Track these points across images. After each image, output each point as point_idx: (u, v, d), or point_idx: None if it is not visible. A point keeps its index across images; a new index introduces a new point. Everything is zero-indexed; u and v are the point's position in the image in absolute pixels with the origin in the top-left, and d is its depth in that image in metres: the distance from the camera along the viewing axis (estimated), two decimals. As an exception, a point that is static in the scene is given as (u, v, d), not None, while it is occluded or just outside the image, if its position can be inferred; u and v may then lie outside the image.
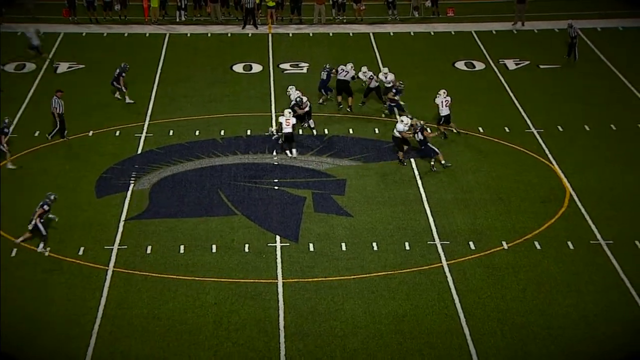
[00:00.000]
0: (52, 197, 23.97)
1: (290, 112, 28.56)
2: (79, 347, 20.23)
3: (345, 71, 31.31)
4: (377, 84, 31.93)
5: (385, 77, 31.41)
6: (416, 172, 28.16)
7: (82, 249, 23.82)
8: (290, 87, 30.51)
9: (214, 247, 24.04)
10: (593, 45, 38.68)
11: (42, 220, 23.59)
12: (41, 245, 23.45)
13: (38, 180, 27.15)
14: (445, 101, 29.71)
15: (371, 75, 31.61)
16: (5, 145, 27.48)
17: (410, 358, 19.95)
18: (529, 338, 20.58)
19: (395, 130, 28.39)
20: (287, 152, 28.36)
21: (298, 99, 29.35)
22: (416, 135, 27.87)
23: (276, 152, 29.02)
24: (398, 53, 37.02)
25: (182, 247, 24.03)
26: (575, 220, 25.33)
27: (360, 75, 31.49)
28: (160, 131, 30.28)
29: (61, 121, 28.99)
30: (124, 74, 31.98)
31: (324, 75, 31.33)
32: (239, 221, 25.25)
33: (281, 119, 28.56)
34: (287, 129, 28.41)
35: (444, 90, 30.02)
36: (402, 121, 28.31)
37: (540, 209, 26.02)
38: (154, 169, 28.06)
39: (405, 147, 28.21)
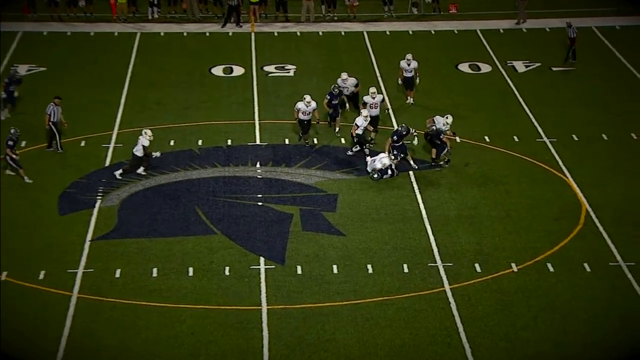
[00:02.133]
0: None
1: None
2: (40, 381, 19.99)
3: (345, 87, 31.49)
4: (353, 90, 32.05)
5: (344, 83, 31.35)
6: (415, 187, 28.26)
7: (42, 272, 23.85)
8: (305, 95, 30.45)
9: (190, 270, 24.13)
10: (612, 45, 39.12)
11: (14, 157, 27.18)
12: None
13: (-6, 195, 26.89)
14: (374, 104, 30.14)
15: (357, 84, 31.77)
16: (13, 155, 27.87)
17: (410, 394, 19.90)
18: (542, 371, 20.57)
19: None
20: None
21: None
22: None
23: (260, 164, 29.19)
24: (395, 54, 36.48)
25: (154, 270, 24.10)
26: (592, 240, 25.47)
27: (339, 81, 31.37)
28: (131, 141, 29.92)
29: (54, 130, 29.43)
30: (12, 87, 31.36)
31: (333, 100, 30.72)
32: (219, 241, 25.33)
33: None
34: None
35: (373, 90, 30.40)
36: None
37: (553, 227, 26.16)
38: (123, 183, 28.13)
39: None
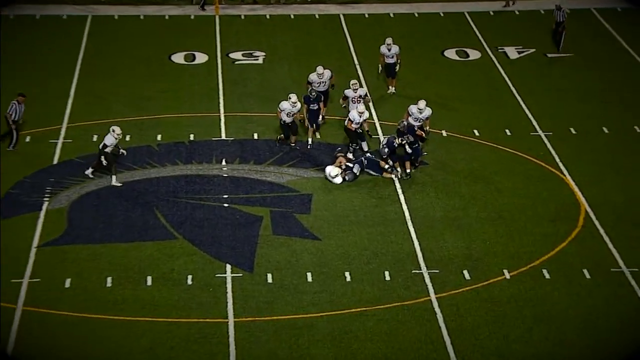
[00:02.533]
0: None
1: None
2: (-19, 404, 20.23)
3: (322, 82, 31.11)
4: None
5: (320, 77, 31.03)
6: (398, 186, 28.32)
7: (-18, 283, 23.50)
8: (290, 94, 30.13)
9: (149, 279, 24.16)
10: (613, 29, 39.36)
11: None
12: None
13: None
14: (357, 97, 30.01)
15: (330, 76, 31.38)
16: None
17: (391, 414, 19.94)
18: (537, 387, 20.77)
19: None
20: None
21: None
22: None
23: (225, 162, 29.24)
24: (374, 39, 36.50)
25: (109, 279, 24.11)
26: (592, 243, 25.60)
27: (314, 77, 31.08)
28: (82, 136, 30.29)
29: (13, 130, 29.51)
30: None
31: (312, 105, 30.28)
32: (180, 247, 25.38)
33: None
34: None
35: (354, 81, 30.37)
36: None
37: (549, 229, 26.26)
38: (74, 183, 28.10)
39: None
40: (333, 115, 31.67)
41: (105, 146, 27.41)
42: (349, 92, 30.10)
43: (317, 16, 40.59)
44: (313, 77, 30.92)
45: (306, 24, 39.81)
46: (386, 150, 27.94)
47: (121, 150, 27.89)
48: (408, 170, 28.01)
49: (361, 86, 30.99)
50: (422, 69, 35.72)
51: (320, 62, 32.82)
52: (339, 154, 28.38)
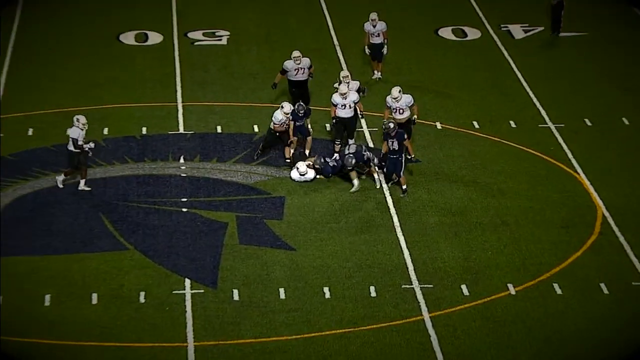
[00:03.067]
0: None
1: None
2: None
3: (300, 68, 30.99)
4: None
5: (298, 62, 30.88)
6: (385, 187, 28.48)
7: None
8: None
9: (94, 296, 24.10)
10: (635, 4, 39.82)
11: None
12: None
13: None
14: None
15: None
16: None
17: None
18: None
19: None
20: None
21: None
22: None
23: (184, 159, 29.44)
24: (357, 16, 36.60)
25: (47, 297, 24.05)
26: (610, 253, 25.64)
27: (289, 64, 30.97)
28: (15, 130, 30.45)
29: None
30: None
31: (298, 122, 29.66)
32: (131, 258, 25.41)
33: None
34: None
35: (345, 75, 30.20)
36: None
37: (561, 236, 26.37)
38: (5, 185, 28.15)
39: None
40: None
41: (75, 142, 27.27)
42: (337, 99, 29.56)
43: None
44: (289, 64, 30.80)
45: (276, -2, 39.86)
46: (352, 162, 28.10)
47: (87, 146, 27.64)
48: (404, 187, 28.11)
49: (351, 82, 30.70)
50: (413, 50, 35.85)
51: (295, 42, 33.83)
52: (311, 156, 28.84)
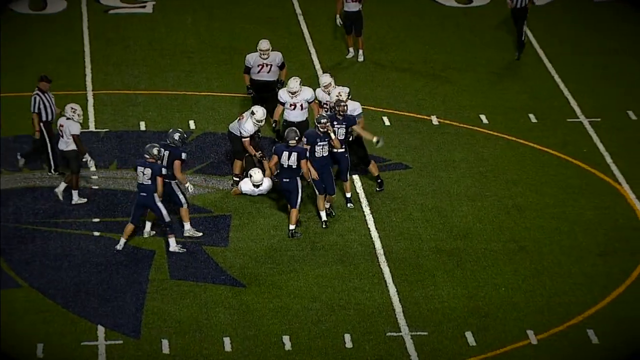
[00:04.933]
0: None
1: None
2: None
3: (267, 65, 26.19)
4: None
5: (264, 57, 25.88)
6: (365, 202, 24.06)
7: None
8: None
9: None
10: None
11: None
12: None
13: None
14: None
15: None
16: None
17: None
18: None
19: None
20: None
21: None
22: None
23: (94, 165, 25.13)
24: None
25: None
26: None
27: (251, 59, 26.06)
28: None
29: (45, 139, 25.53)
30: None
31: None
32: (26, 299, 21.30)
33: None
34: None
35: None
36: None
37: (598, 268, 22.17)
38: None
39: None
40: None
41: (76, 137, 23.11)
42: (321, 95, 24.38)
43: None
44: (252, 58, 26.00)
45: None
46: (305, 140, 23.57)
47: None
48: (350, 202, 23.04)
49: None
50: (402, 20, 31.61)
51: (241, 9, 31.27)
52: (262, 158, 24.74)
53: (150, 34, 31.57)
